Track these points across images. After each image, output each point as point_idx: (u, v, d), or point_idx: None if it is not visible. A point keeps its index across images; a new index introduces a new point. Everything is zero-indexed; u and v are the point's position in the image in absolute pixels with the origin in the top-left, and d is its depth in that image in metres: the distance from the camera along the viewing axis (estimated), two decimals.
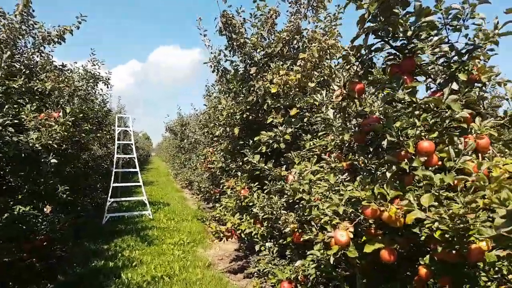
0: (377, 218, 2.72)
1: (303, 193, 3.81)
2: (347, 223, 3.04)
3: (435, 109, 2.81)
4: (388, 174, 2.73)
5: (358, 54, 2.91)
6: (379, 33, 2.73)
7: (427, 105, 2.76)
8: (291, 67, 5.42)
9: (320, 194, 3.72)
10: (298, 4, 6.25)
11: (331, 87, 3.27)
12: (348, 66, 2.95)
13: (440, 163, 2.73)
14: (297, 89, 5.20)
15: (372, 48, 2.88)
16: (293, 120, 5.03)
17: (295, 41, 6.16)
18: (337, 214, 3.09)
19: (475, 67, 2.85)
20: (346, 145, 4.10)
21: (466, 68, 2.70)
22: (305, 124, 5.23)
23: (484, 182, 2.06)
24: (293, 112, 4.98)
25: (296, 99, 5.12)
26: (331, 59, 5.88)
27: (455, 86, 2.73)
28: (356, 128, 3.26)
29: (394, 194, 2.70)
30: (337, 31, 5.80)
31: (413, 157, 2.66)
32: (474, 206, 2.14)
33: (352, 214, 3.03)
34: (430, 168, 2.67)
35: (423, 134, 2.72)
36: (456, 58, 2.75)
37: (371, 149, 3.10)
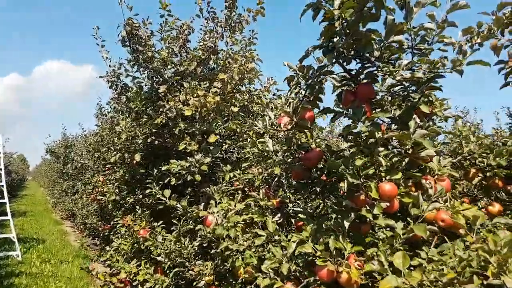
0: (333, 281, 2.18)
1: (228, 241, 3.12)
2: (290, 284, 2.44)
3: (395, 145, 2.43)
4: (347, 224, 2.22)
5: (307, 76, 2.41)
6: (336, 52, 2.26)
7: (386, 141, 2.36)
8: (209, 88, 4.78)
9: (247, 244, 3.07)
10: (214, 22, 5.70)
11: (265, 113, 2.73)
12: (297, 89, 2.42)
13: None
14: (216, 113, 4.56)
15: (323, 70, 2.41)
16: (211, 148, 4.35)
17: (211, 61, 5.55)
18: (279, 274, 2.47)
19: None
20: (276, 179, 3.56)
21: (429, 99, 2.38)
22: (224, 153, 4.59)
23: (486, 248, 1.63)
24: (212, 139, 4.30)
25: (214, 125, 4.47)
26: (250, 83, 5.41)
27: (416, 120, 2.39)
28: (297, 162, 2.73)
29: (355, 249, 2.19)
30: (257, 55, 5.38)
31: (374, 203, 2.21)
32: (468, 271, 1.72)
33: (298, 273, 2.44)
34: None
35: (383, 174, 2.30)
36: (413, 88, 2.42)
37: (317, 189, 2.58)
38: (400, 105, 2.55)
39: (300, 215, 3.90)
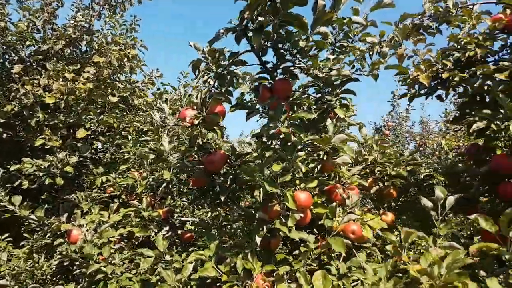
0: None
1: (99, 260, 2.48)
2: None
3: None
4: (258, 239, 1.89)
5: (218, 63, 2.02)
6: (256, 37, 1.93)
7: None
8: (80, 72, 3.96)
9: (125, 266, 2.50)
10: None
11: (157, 106, 2.22)
12: (205, 77, 2.00)
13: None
14: (87, 103, 3.78)
15: (235, 59, 2.06)
16: (79, 145, 3.57)
17: (83, 42, 4.69)
18: None
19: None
20: (164, 185, 3.05)
21: (345, 104, 2.23)
22: (95, 152, 3.84)
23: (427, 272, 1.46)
24: (80, 134, 3.53)
25: (84, 117, 3.69)
26: (132, 72, 4.73)
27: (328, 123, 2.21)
28: (198, 166, 2.30)
29: (266, 268, 1.87)
30: (141, 40, 4.75)
31: (289, 214, 1.93)
32: None
33: None
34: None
35: (297, 182, 2.05)
36: (328, 89, 2.25)
37: (221, 198, 2.19)
38: (309, 108, 2.35)
39: (188, 225, 3.45)
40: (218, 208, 2.73)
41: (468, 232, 2.65)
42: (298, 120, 2.15)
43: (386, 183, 2.72)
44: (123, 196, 3.35)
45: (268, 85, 2.10)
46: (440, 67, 2.63)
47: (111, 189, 3.50)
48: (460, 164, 2.87)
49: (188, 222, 3.45)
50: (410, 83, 2.87)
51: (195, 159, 2.37)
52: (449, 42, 2.75)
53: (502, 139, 2.30)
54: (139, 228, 2.80)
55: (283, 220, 1.89)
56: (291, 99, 2.12)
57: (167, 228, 2.79)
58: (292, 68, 2.07)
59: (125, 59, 4.31)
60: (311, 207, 2.07)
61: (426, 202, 1.93)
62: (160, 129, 2.22)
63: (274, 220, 1.93)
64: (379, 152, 2.64)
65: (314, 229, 2.35)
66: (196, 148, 2.20)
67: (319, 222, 2.24)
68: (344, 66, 1.98)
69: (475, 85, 2.36)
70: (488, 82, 2.39)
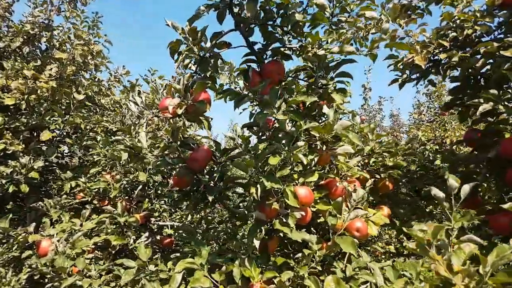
0: None
1: (72, 272, 2.18)
2: None
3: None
4: (257, 242, 1.65)
5: (200, 45, 1.77)
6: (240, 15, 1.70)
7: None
8: (42, 70, 3.60)
9: (103, 279, 2.21)
10: None
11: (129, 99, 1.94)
12: (187, 61, 1.75)
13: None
14: (51, 103, 3.43)
15: (218, 41, 1.82)
16: (44, 148, 3.22)
17: (43, 39, 4.29)
18: None
19: None
20: (140, 188, 2.76)
21: (342, 88, 2.02)
22: (62, 155, 3.49)
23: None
24: (44, 136, 3.18)
25: (49, 118, 3.34)
26: (97, 70, 4.38)
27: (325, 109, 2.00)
28: (180, 164, 2.04)
29: (267, 276, 1.64)
30: (105, 35, 4.41)
31: (288, 213, 1.71)
32: None
33: None
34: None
35: (295, 176, 1.82)
36: (322, 72, 2.04)
37: (210, 199, 1.94)
38: (304, 92, 2.13)
39: (166, 229, 3.17)
40: (199, 211, 2.47)
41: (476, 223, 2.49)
42: (295, 106, 1.93)
43: (382, 175, 2.55)
44: (95, 202, 3.03)
45: (258, 69, 1.87)
46: (435, 48, 2.48)
47: (82, 194, 3.17)
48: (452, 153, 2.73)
49: (166, 227, 3.17)
50: (403, 67, 2.71)
51: (176, 156, 2.11)
52: (441, 21, 2.60)
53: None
54: (115, 235, 2.51)
55: (284, 220, 1.66)
56: (283, 84, 1.90)
57: (146, 234, 2.51)
58: (282, 49, 1.85)
59: (89, 56, 3.97)
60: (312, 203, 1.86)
61: (437, 193, 1.73)
62: (134, 126, 1.93)
63: (273, 220, 1.70)
64: (375, 141, 2.45)
65: (312, 228, 2.15)
66: (178, 143, 1.94)
67: (318, 220, 2.04)
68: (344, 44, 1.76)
69: (477, 64, 2.20)
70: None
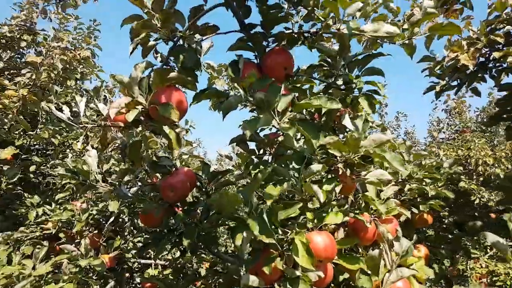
0: None
1: None
2: None
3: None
4: None
5: (171, 27, 1.24)
6: None
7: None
8: (13, 77, 3.12)
9: None
10: None
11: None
12: (153, 52, 1.22)
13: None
14: (20, 115, 2.93)
15: (200, 16, 1.28)
16: (5, 168, 2.70)
17: (23, 43, 3.84)
18: None
19: None
20: (113, 219, 2.21)
21: (373, 89, 1.47)
22: (32, 175, 2.96)
23: None
24: (4, 153, 2.66)
25: (15, 132, 2.83)
26: (83, 79, 3.89)
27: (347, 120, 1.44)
28: (150, 193, 1.49)
29: None
30: (95, 40, 3.95)
31: (298, 274, 1.14)
32: None
33: None
34: None
35: (309, 217, 1.25)
36: (343, 69, 1.49)
37: (185, 244, 1.37)
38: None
39: (150, 270, 2.60)
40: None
41: None
42: (306, 114, 1.38)
43: (421, 207, 1.96)
44: (62, 235, 2.48)
45: (252, 62, 1.32)
46: (484, 45, 1.93)
47: (50, 225, 2.63)
48: None
49: (152, 266, 2.60)
50: (443, 71, 2.16)
51: (148, 183, 1.56)
52: (489, 14, 2.06)
53: None
54: (73, 284, 1.94)
55: (289, 287, 1.09)
56: (290, 82, 1.35)
57: (112, 284, 1.93)
58: (291, 32, 1.31)
59: (75, 63, 3.49)
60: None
61: (495, 239, 1.15)
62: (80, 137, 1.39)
63: (274, 285, 1.13)
64: (412, 163, 1.88)
65: None
66: (145, 165, 1.39)
67: (341, 278, 1.46)
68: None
69: None
70: None
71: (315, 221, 1.22)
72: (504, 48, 1.85)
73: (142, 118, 1.09)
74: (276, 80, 1.20)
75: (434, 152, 7.86)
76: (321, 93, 1.47)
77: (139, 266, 2.71)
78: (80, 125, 1.18)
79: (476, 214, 2.46)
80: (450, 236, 2.40)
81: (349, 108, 1.52)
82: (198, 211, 1.55)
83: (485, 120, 8.23)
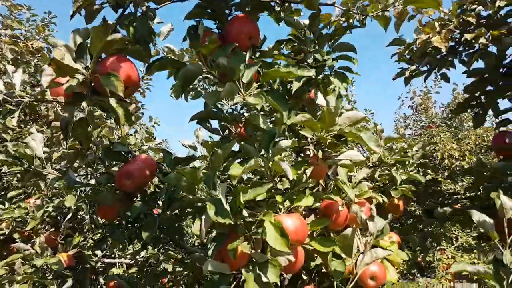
0: None
1: None
2: None
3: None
4: None
5: None
6: None
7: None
8: None
9: None
10: None
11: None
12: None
13: None
14: None
15: None
16: None
17: None
18: None
19: None
20: (70, 216, 2.06)
21: (345, 66, 1.40)
22: None
23: None
24: None
25: None
26: (38, 72, 3.65)
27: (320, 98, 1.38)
28: (106, 183, 1.37)
29: None
30: (49, 31, 3.72)
31: (268, 258, 1.05)
32: None
33: None
34: None
35: (279, 199, 1.17)
36: (314, 45, 1.42)
37: (144, 237, 1.26)
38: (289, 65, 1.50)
39: (114, 269, 2.46)
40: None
41: None
42: (278, 87, 1.30)
43: (392, 193, 1.92)
44: (17, 235, 2.29)
45: (216, 31, 1.22)
46: (456, 26, 1.90)
47: (4, 225, 2.43)
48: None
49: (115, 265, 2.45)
50: (412, 55, 2.14)
51: (106, 172, 1.43)
52: None
53: None
54: (28, 285, 1.79)
55: (259, 272, 1.00)
56: (257, 54, 1.26)
57: (69, 284, 1.78)
58: None
59: (28, 55, 3.26)
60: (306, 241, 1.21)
61: (482, 218, 1.11)
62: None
63: (242, 270, 1.04)
64: (383, 147, 1.83)
65: (304, 275, 1.49)
66: (98, 151, 1.26)
67: (312, 264, 1.38)
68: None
69: None
70: None
71: (285, 203, 1.14)
72: (476, 30, 1.84)
73: (86, 92, 0.96)
74: (242, 47, 1.11)
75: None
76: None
77: (103, 265, 2.56)
78: (15, 99, 1.04)
79: (445, 201, 2.46)
80: (420, 225, 2.39)
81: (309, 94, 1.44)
82: (160, 202, 1.44)
83: (450, 115, 8.46)
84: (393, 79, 2.27)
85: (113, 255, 2.78)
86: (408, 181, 1.96)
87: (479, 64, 2.11)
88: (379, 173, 1.95)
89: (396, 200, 2.03)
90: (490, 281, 0.93)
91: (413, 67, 2.20)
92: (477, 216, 1.11)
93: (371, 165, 1.86)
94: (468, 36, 1.78)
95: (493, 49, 2.04)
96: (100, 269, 2.59)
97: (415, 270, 2.32)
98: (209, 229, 1.04)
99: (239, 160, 1.22)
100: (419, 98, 9.05)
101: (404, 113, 9.42)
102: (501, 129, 2.16)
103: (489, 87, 2.17)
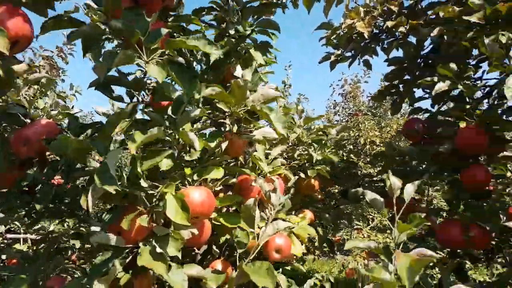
0: None
1: None
2: None
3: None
4: None
5: None
6: None
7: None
8: None
9: None
10: None
11: None
12: None
13: None
14: None
15: None
16: None
17: None
18: None
19: None
20: None
21: (265, 41, 1.37)
22: None
23: None
24: None
25: None
26: None
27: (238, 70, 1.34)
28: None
29: None
30: None
31: (169, 233, 1.01)
32: None
33: None
34: None
35: (187, 172, 1.13)
36: (237, 16, 1.37)
37: (37, 207, 1.15)
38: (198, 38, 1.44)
39: (17, 245, 2.27)
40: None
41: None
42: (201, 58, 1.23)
43: (309, 172, 1.97)
44: None
45: None
46: (380, 14, 1.97)
47: None
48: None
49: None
50: (338, 40, 2.17)
51: None
52: None
53: (469, 106, 1.69)
54: None
55: (154, 244, 0.95)
56: (171, 19, 1.18)
57: None
58: None
59: None
60: (213, 215, 1.18)
61: (374, 196, 1.18)
62: None
63: (139, 244, 0.98)
64: (303, 127, 1.86)
65: (215, 247, 1.48)
66: None
67: (222, 238, 1.38)
68: None
69: (433, 34, 1.72)
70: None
71: (194, 176, 1.10)
72: (397, 19, 1.91)
73: None
74: (151, 12, 1.03)
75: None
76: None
77: (6, 241, 2.35)
78: None
79: (359, 183, 2.60)
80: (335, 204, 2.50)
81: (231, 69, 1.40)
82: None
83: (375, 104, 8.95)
84: (319, 62, 2.30)
85: (18, 230, 2.57)
86: (329, 163, 2.03)
87: (400, 53, 2.22)
88: (299, 152, 2.00)
89: (312, 180, 2.09)
90: (381, 256, 0.98)
91: (339, 52, 2.25)
92: (370, 195, 1.16)
93: (290, 144, 1.88)
94: (389, 23, 1.85)
95: (414, 39, 2.16)
96: (3, 245, 2.39)
97: (325, 245, 2.42)
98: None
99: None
100: (349, 86, 9.45)
101: (334, 100, 9.80)
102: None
103: (407, 76, 2.30)
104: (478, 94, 1.94)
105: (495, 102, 1.74)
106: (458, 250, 1.77)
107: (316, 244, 2.35)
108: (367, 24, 1.85)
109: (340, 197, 2.66)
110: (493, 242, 2.02)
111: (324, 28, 2.19)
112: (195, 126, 1.14)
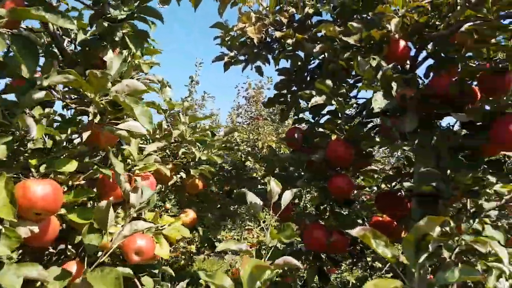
0: None
1: None
2: None
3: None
4: None
5: None
6: None
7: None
8: None
9: None
10: None
11: None
12: None
13: None
14: None
15: None
16: None
17: None
18: None
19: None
20: None
21: (141, 31, 1.30)
22: None
23: None
24: None
25: None
26: None
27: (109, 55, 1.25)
28: None
29: None
30: None
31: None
32: None
33: None
34: None
35: (33, 162, 1.01)
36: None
37: None
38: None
39: None
40: None
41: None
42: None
43: (192, 171, 1.94)
44: None
45: None
46: (271, 23, 2.02)
47: None
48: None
49: None
50: (231, 41, 2.18)
51: None
52: None
53: (339, 121, 1.83)
54: None
55: None
56: None
57: None
58: None
59: None
60: (62, 211, 1.07)
61: (254, 199, 1.21)
62: None
63: None
64: (188, 125, 1.82)
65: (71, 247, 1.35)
66: None
67: (78, 238, 1.26)
68: None
69: (315, 50, 1.81)
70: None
71: (41, 168, 0.99)
72: (286, 30, 1.98)
73: None
74: None
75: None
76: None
77: None
78: None
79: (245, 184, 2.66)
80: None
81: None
82: None
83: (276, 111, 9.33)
84: (212, 61, 2.29)
85: None
86: (213, 164, 2.02)
87: (288, 64, 2.32)
88: (184, 151, 1.95)
89: (197, 180, 2.06)
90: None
91: (232, 54, 2.26)
92: (250, 197, 1.18)
93: (173, 141, 1.83)
94: (277, 34, 1.91)
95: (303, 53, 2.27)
96: None
97: (206, 245, 2.42)
98: None
99: None
100: (253, 91, 9.70)
101: (238, 102, 9.97)
102: None
103: (294, 88, 2.41)
104: (353, 111, 2.13)
105: (363, 120, 1.92)
106: (321, 254, 1.90)
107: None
108: (257, 30, 1.89)
109: (226, 197, 2.69)
110: (358, 248, 2.23)
111: (219, 27, 2.19)
112: (47, 110, 1.02)
